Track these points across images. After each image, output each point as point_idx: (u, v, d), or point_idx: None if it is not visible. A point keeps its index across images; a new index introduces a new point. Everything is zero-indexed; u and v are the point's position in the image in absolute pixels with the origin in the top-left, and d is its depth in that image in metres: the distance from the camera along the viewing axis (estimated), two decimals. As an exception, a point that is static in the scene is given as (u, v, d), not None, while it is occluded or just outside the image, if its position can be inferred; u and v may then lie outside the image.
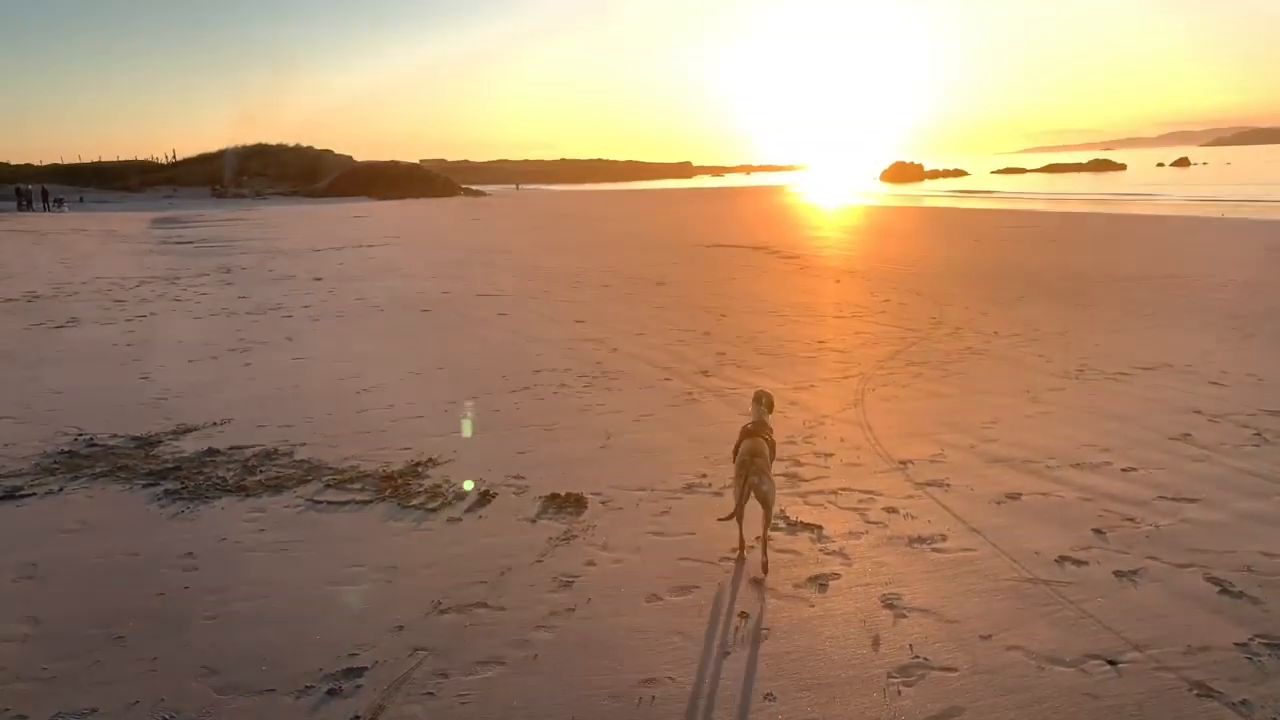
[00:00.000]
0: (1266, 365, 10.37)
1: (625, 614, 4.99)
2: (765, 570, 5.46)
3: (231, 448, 8.24)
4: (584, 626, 4.86)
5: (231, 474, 7.53)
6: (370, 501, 6.85)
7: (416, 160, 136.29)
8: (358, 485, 7.21)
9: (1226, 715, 3.92)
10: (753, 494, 5.46)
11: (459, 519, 6.47)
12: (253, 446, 8.26)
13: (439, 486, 7.11)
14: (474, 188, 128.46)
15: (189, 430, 8.83)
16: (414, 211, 65.46)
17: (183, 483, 7.33)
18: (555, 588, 5.34)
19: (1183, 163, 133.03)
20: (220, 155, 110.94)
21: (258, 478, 7.44)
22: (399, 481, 7.25)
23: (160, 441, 8.47)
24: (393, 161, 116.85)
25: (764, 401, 6.29)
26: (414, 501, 6.81)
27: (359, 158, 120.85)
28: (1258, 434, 7.87)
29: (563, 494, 6.85)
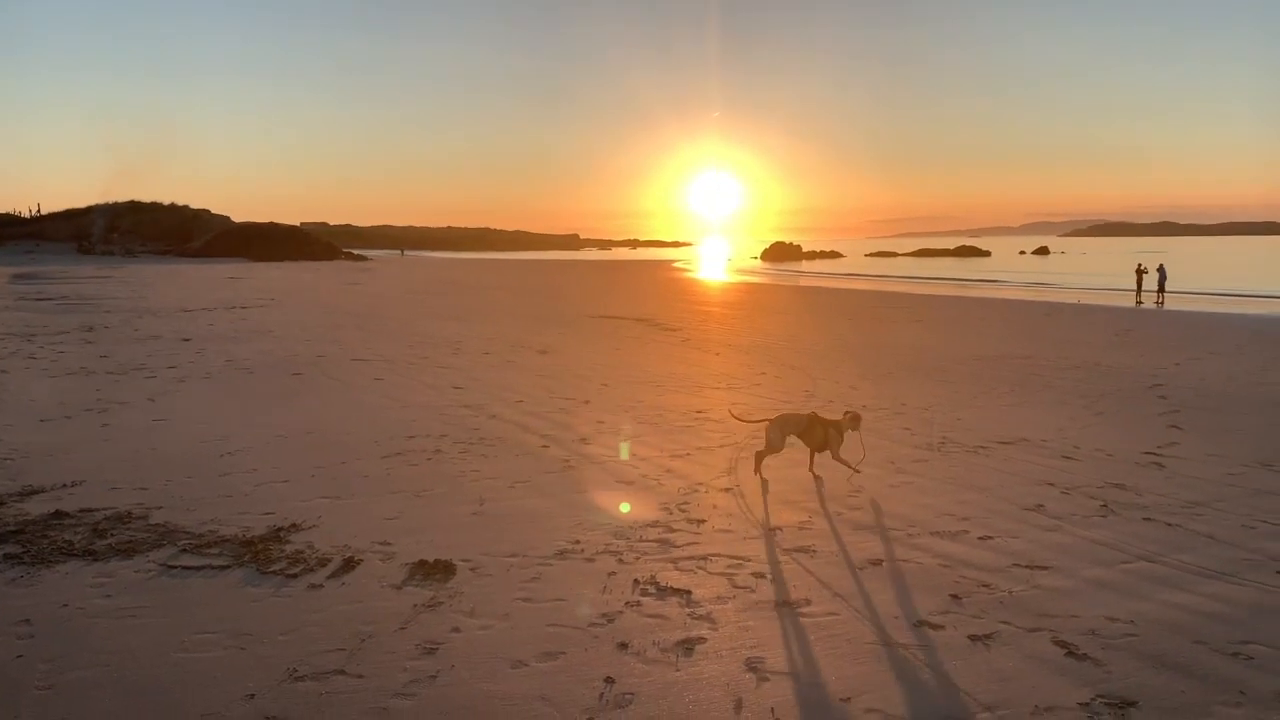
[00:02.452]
0: (1114, 441, 10.95)
1: (489, 681, 4.90)
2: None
3: (81, 510, 7.84)
4: (446, 693, 4.75)
5: (79, 538, 7.14)
6: (227, 567, 6.59)
7: (297, 223, 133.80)
8: (215, 550, 6.93)
9: (1068, 772, 4.06)
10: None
11: (320, 585, 6.27)
12: (104, 509, 7.87)
13: (301, 552, 6.89)
14: (357, 252, 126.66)
15: (35, 492, 8.37)
16: (292, 274, 64.12)
17: (24, 546, 6.92)
18: (418, 655, 5.21)
19: (1043, 251, 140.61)
20: (89, 211, 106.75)
21: (108, 541, 7.08)
22: (259, 547, 7.00)
23: (3, 503, 8.00)
24: (272, 223, 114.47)
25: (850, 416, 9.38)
26: (274, 567, 6.58)
27: (237, 218, 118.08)
28: (1105, 505, 8.27)
29: (431, 560, 6.72)
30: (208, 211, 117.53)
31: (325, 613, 5.81)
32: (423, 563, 6.69)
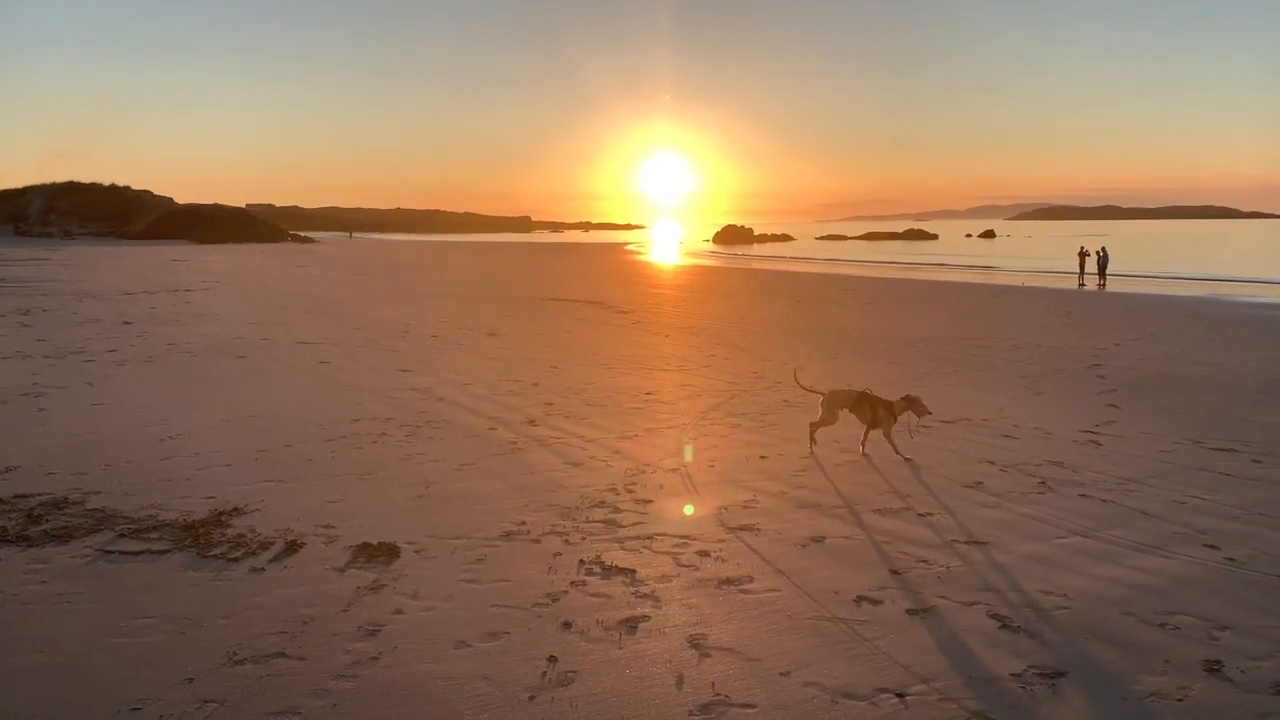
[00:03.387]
0: (1053, 420, 11.18)
1: (431, 661, 4.90)
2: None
3: (15, 496, 7.69)
4: (387, 674, 4.75)
5: (13, 524, 7.01)
6: (167, 551, 6.51)
7: (243, 205, 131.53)
8: (154, 535, 6.84)
9: (999, 740, 4.17)
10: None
11: (262, 569, 6.22)
12: (39, 495, 7.72)
13: (243, 536, 6.82)
14: (304, 234, 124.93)
15: (-33, 479, 8.18)
16: (237, 257, 63.11)
17: (-46, 534, 6.77)
18: (360, 637, 5.19)
19: (989, 234, 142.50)
20: (26, 192, 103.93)
21: (43, 527, 6.95)
22: (200, 531, 6.92)
23: (-68, 491, 7.81)
24: (216, 205, 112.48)
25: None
26: (215, 551, 6.51)
27: (180, 200, 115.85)
28: (1042, 482, 8.45)
29: (374, 543, 6.69)
30: (150, 193, 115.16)
31: (267, 596, 5.77)
32: (366, 545, 6.65)
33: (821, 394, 9.59)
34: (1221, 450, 9.57)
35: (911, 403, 9.25)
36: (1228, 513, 7.50)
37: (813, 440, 9.62)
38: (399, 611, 5.55)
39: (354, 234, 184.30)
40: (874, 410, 9.25)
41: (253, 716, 4.33)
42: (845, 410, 9.45)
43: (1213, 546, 6.71)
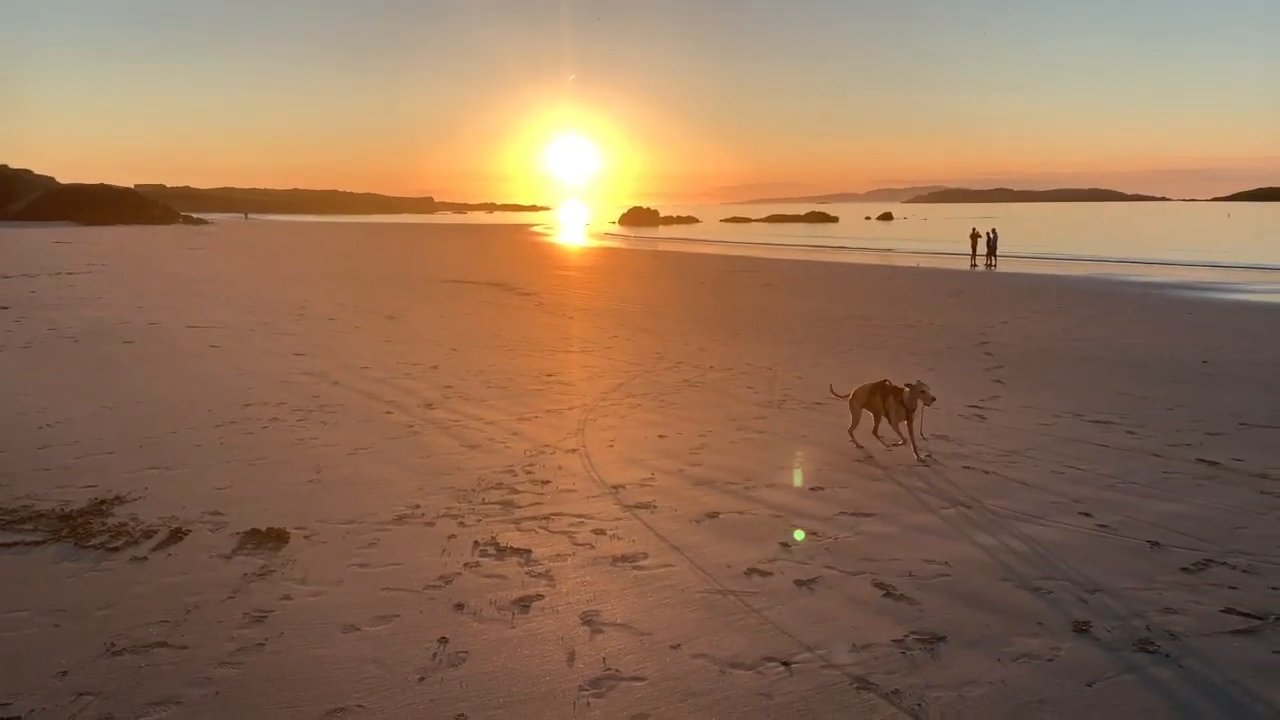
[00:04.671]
0: (942, 395, 11.42)
1: (319, 646, 4.83)
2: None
3: (-124, 490, 7.30)
4: (273, 660, 4.66)
5: (-127, 518, 6.65)
6: (42, 542, 6.27)
7: (131, 185, 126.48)
8: (29, 526, 6.58)
9: (880, 705, 4.30)
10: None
11: (144, 558, 6.04)
12: (-97, 488, 7.35)
13: (124, 525, 6.61)
14: (196, 216, 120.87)
15: None
16: (125, 239, 60.78)
17: None
18: (246, 623, 5.08)
19: (887, 217, 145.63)
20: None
21: (-94, 521, 6.62)
22: (78, 521, 6.68)
23: None
24: (102, 185, 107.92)
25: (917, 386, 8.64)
26: (94, 541, 6.29)
27: (64, 179, 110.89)
28: (929, 455, 8.71)
29: (263, 529, 6.55)
30: (29, 172, 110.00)
31: (149, 585, 5.60)
32: (255, 532, 6.51)
33: (849, 395, 9.20)
34: (1099, 423, 10.00)
35: (916, 390, 8.62)
36: (1102, 482, 7.85)
37: (855, 442, 9.15)
38: (287, 597, 5.45)
39: (250, 215, 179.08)
40: (884, 401, 8.86)
41: (131, 708, 4.21)
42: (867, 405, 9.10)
43: (1087, 514, 7.01)
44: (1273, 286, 28.93)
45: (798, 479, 7.79)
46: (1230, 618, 5.24)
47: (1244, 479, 7.92)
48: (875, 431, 9.19)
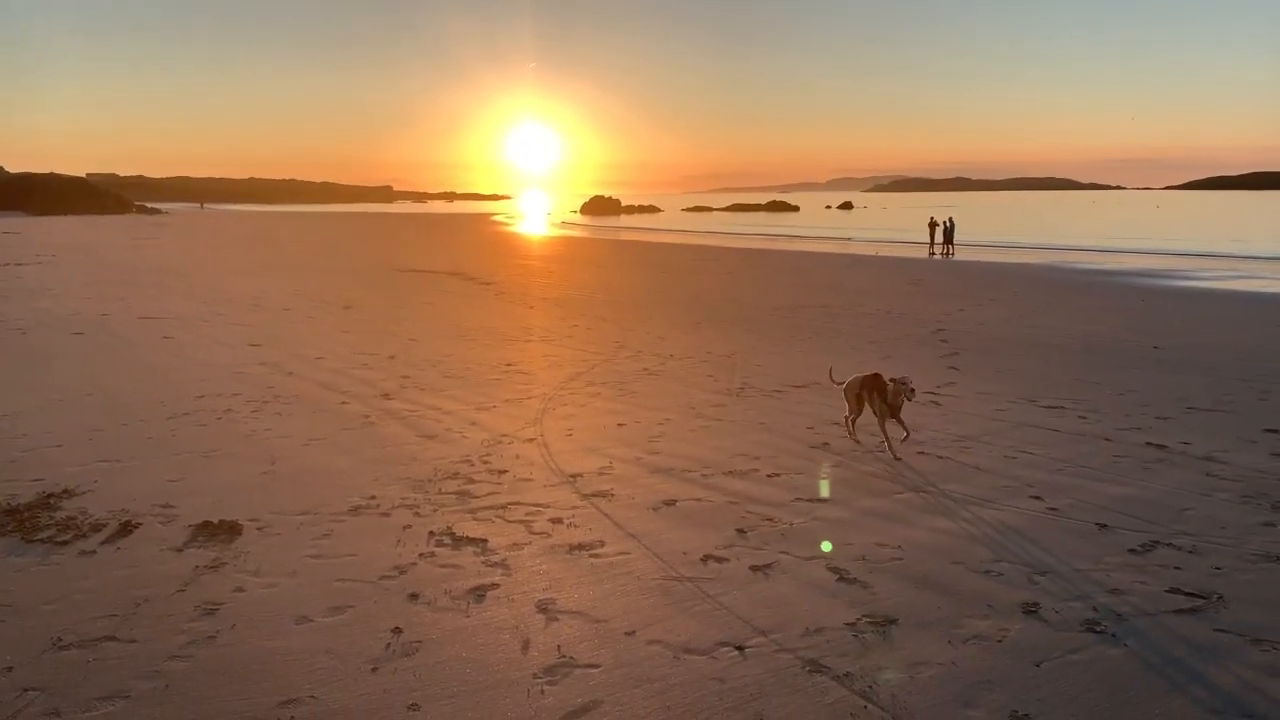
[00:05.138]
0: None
1: (271, 638, 4.78)
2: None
3: None
4: (224, 653, 4.61)
5: None
6: (-13, 538, 6.15)
7: (83, 174, 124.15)
8: (-26, 521, 6.45)
9: (832, 687, 4.34)
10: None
11: (93, 552, 5.94)
12: None
13: (73, 519, 6.50)
14: (150, 205, 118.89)
15: None
16: (77, 229, 59.71)
17: None
18: (196, 616, 5.03)
19: (847, 206, 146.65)
20: None
21: None
22: (25, 515, 6.56)
23: None
24: (52, 174, 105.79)
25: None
26: (40, 535, 6.19)
27: (11, 168, 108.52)
28: (884, 442, 8.78)
29: (215, 521, 6.47)
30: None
31: (97, 579, 5.52)
32: (207, 524, 6.43)
33: (844, 386, 8.89)
34: (1051, 408, 10.14)
35: (899, 386, 8.28)
36: (1053, 466, 7.97)
37: (851, 435, 8.90)
38: (239, 589, 5.39)
39: (205, 205, 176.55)
40: (870, 394, 8.51)
41: (78, 703, 4.15)
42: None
43: (1038, 497, 7.12)
44: (1222, 273, 29.47)
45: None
46: (1175, 597, 5.34)
47: (1191, 462, 8.08)
48: (850, 422, 8.92)
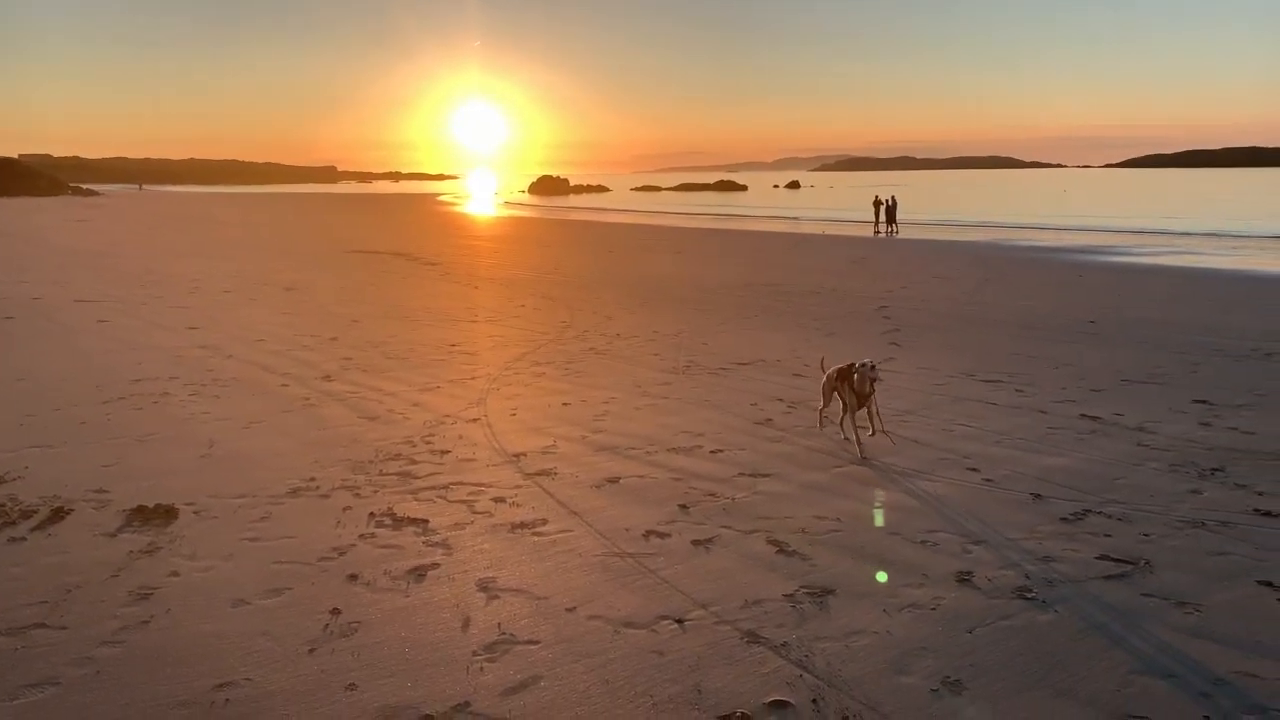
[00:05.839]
0: (840, 357, 11.70)
1: (206, 621, 4.73)
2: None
3: None
4: (158, 638, 4.55)
5: None
6: (-89, 527, 5.99)
7: (14, 155, 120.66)
8: (-103, 510, 6.28)
9: (769, 657, 4.39)
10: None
11: (23, 538, 5.82)
12: None
13: (2, 505, 6.36)
14: (86, 187, 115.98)
15: None
16: (6, 213, 58.08)
17: None
18: (130, 601, 4.95)
19: (794, 185, 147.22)
20: None
21: None
22: (-49, 503, 6.40)
23: None
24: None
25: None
26: (-32, 523, 6.04)
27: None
28: (827, 417, 8.88)
29: (150, 506, 6.36)
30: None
31: (26, 566, 5.40)
32: (141, 509, 6.32)
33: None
34: (989, 382, 10.32)
35: (864, 375, 7.68)
36: (989, 438, 8.12)
37: (820, 422, 8.41)
38: (174, 574, 5.31)
39: (144, 186, 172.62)
40: (842, 385, 7.89)
41: (5, 691, 4.06)
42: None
43: (974, 469, 7.25)
44: (1157, 249, 30.13)
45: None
46: (1104, 564, 5.48)
47: (1123, 432, 8.27)
48: (821, 413, 8.38)
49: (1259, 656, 4.36)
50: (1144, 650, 4.45)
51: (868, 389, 7.67)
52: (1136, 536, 5.88)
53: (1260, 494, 6.62)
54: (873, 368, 7.66)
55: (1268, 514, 6.23)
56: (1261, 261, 25.90)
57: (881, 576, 5.26)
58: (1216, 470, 7.17)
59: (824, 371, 8.27)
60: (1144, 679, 4.19)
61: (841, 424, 8.10)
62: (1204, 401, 9.35)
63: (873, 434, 7.90)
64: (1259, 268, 24.16)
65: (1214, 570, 5.36)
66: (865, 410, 7.84)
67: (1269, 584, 5.15)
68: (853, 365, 7.81)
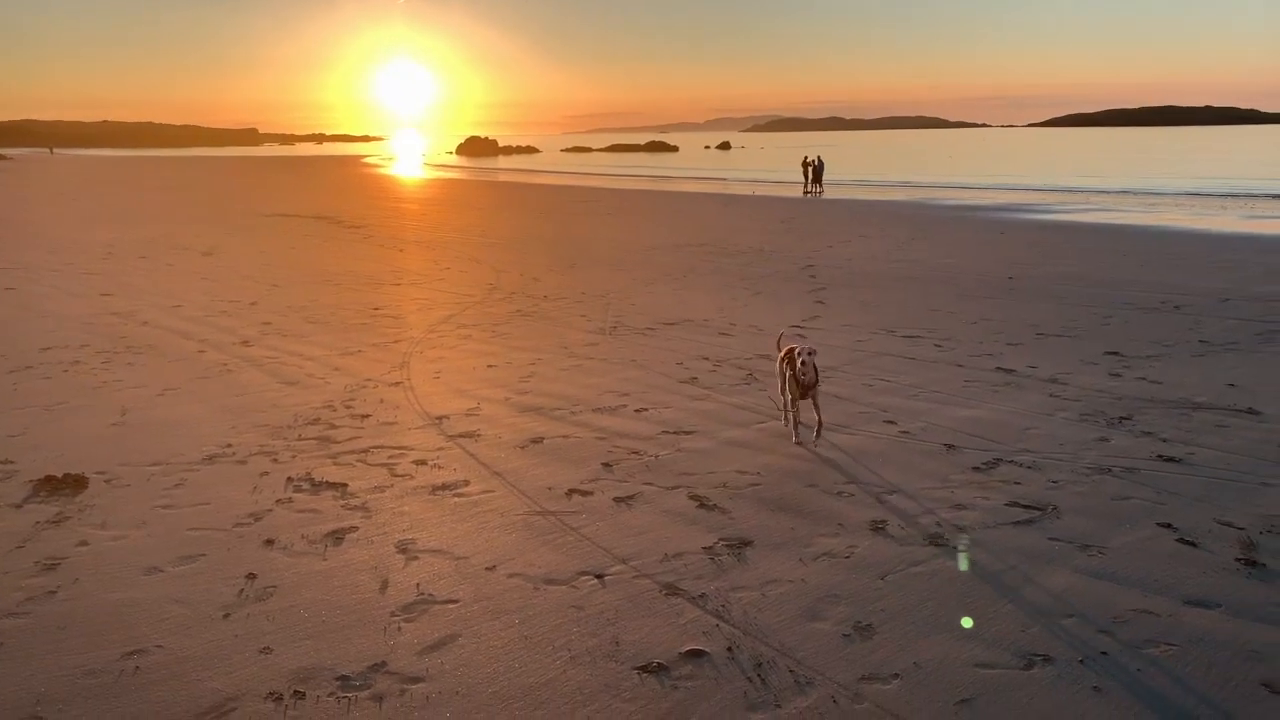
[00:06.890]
0: (766, 317, 11.86)
1: (117, 590, 4.64)
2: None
3: None
4: (65, 608, 4.45)
5: None
6: None
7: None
8: None
9: (687, 608, 4.46)
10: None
11: (-78, 513, 5.64)
12: None
13: (-100, 480, 6.14)
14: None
15: None
16: (-92, 176, 55.57)
17: None
18: (36, 572, 4.83)
19: (725, 146, 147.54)
20: None
21: None
22: None
23: None
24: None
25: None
26: None
27: None
28: (750, 375, 8.97)
29: (59, 475, 6.20)
30: None
31: (-75, 541, 5.24)
32: (49, 478, 6.16)
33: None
34: (909, 338, 10.51)
35: (809, 362, 6.78)
36: (908, 392, 8.28)
37: (786, 419, 7.27)
38: (83, 543, 5.20)
39: (55, 150, 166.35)
40: (785, 368, 6.99)
41: (-97, 667, 3.96)
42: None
43: (891, 422, 7.40)
44: (1075, 206, 30.81)
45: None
46: (1013, 510, 5.64)
47: (1037, 384, 8.50)
48: (786, 412, 7.26)
49: (1155, 594, 4.54)
50: (1049, 592, 4.60)
51: (811, 378, 6.76)
52: (1045, 484, 6.06)
53: (1164, 440, 6.86)
54: (811, 353, 6.77)
55: (1170, 459, 6.46)
56: (1175, 218, 26.64)
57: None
58: (1124, 419, 7.41)
59: (779, 350, 7.22)
60: (1047, 619, 4.33)
61: (785, 411, 7.26)
62: (1114, 353, 9.63)
63: (817, 437, 6.95)
64: (1173, 224, 24.86)
65: (1117, 514, 5.55)
66: (810, 403, 6.95)
67: (1168, 525, 5.36)
68: (794, 350, 6.80)
